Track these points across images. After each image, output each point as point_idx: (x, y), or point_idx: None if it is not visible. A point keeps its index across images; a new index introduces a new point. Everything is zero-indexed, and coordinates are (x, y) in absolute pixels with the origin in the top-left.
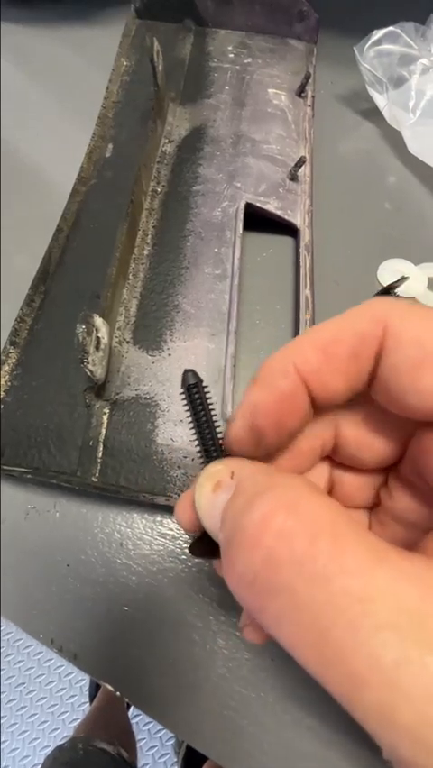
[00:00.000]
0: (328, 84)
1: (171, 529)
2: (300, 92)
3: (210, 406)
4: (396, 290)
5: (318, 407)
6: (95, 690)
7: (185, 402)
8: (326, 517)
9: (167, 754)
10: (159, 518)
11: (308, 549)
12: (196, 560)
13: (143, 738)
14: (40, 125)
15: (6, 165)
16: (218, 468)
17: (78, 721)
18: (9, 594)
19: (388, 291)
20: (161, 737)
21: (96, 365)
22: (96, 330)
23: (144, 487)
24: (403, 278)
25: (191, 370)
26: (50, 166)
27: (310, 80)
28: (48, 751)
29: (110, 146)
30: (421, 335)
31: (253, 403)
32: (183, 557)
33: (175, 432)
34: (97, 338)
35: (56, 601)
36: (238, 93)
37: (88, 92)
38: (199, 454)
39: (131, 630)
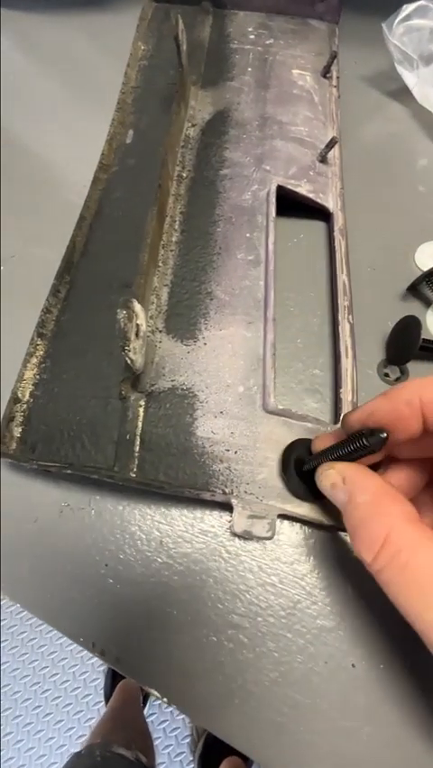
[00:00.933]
0: (352, 64)
1: (213, 526)
2: (326, 73)
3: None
4: None
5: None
6: (110, 689)
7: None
8: (408, 537)
9: (183, 752)
10: (199, 515)
11: (396, 556)
12: (242, 558)
13: (159, 737)
14: (54, 115)
15: (23, 156)
16: (331, 471)
17: (94, 722)
18: (47, 596)
19: (430, 275)
20: (176, 736)
21: (136, 353)
22: (136, 316)
23: (186, 482)
24: None
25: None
26: (66, 155)
27: (335, 60)
28: (64, 750)
29: (131, 132)
30: None
31: (372, 408)
32: (226, 555)
33: (215, 424)
34: (137, 325)
35: (95, 603)
36: (261, 75)
37: (103, 79)
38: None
39: (174, 632)
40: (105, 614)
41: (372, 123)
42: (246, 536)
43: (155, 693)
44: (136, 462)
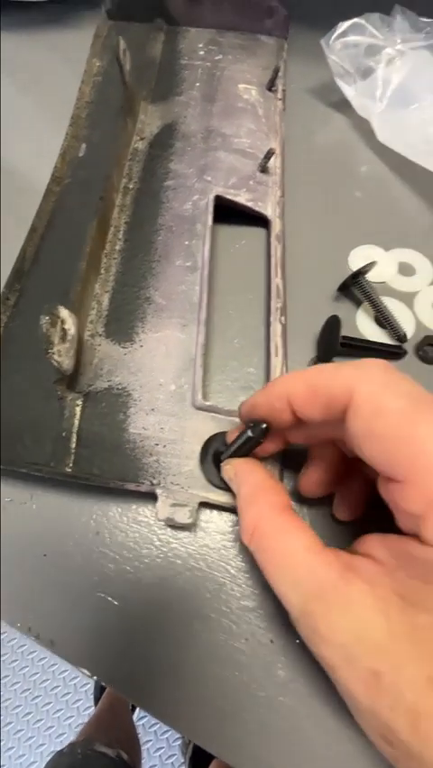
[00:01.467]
0: (300, 77)
1: (147, 516)
2: (271, 86)
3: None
4: (365, 275)
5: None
6: (99, 693)
7: (241, 443)
8: (272, 524)
9: (174, 755)
10: (134, 506)
11: (261, 540)
12: (172, 546)
13: (150, 740)
14: (16, 127)
15: None
16: (228, 467)
17: (80, 723)
18: None
19: (357, 276)
20: (167, 739)
21: (62, 356)
22: (63, 322)
23: (117, 475)
24: (371, 264)
25: (260, 424)
26: (26, 167)
27: (281, 74)
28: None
29: (83, 146)
30: (371, 417)
31: (254, 402)
32: (158, 543)
33: (147, 420)
34: (63, 329)
35: (33, 591)
36: (209, 89)
37: (64, 94)
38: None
39: (109, 616)
40: (43, 601)
41: (316, 133)
42: (169, 523)
43: (85, 672)
44: (72, 458)
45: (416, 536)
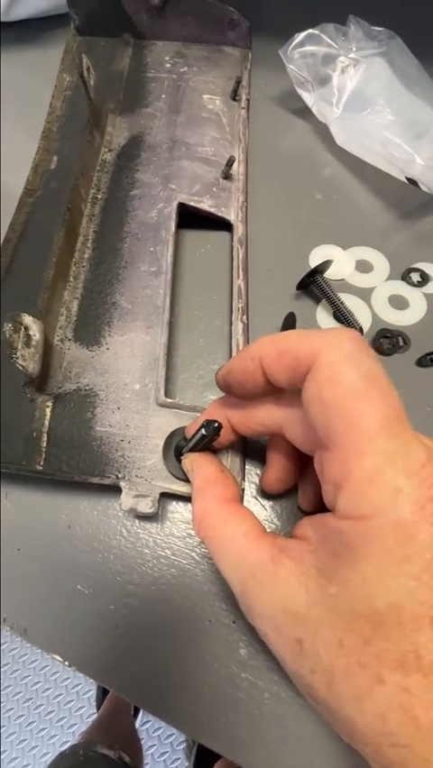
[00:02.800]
0: (263, 86)
1: (115, 509)
2: (234, 95)
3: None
4: (323, 273)
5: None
6: (101, 699)
7: (197, 441)
8: (214, 514)
9: (178, 758)
10: (103, 501)
11: (207, 529)
12: (140, 536)
13: (154, 744)
14: None
15: None
16: (186, 461)
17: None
18: None
19: (314, 274)
20: (171, 743)
21: (27, 360)
22: (27, 328)
23: (85, 470)
24: (327, 263)
25: (213, 423)
26: (3, 179)
27: (244, 84)
28: None
29: (54, 158)
30: (325, 383)
31: (229, 368)
32: (126, 533)
33: (113, 418)
34: (28, 335)
35: (6, 583)
36: (174, 101)
37: (37, 108)
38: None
39: (80, 604)
40: (16, 592)
41: (278, 139)
42: (133, 513)
43: (58, 658)
44: (43, 456)
45: (333, 511)
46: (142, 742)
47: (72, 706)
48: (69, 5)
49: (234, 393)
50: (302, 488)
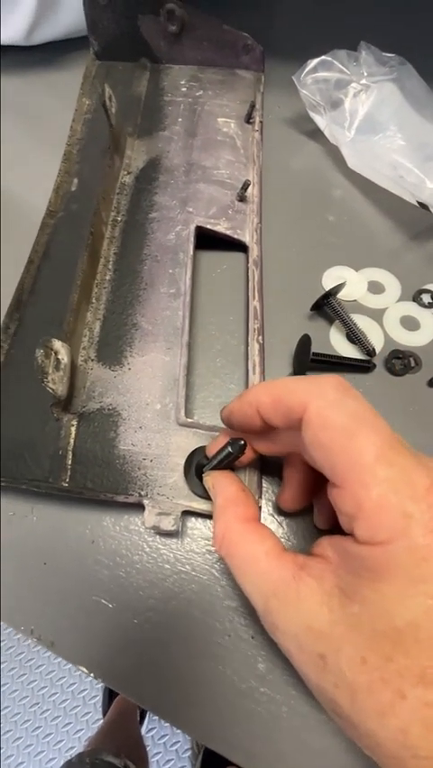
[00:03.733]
0: (276, 108)
1: (137, 525)
2: (248, 119)
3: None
4: (336, 295)
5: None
6: (107, 705)
7: (221, 459)
8: (236, 533)
9: (184, 766)
10: (126, 516)
11: (229, 548)
12: (161, 552)
13: (159, 752)
14: (15, 164)
15: None
16: (207, 478)
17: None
18: None
19: (328, 296)
20: (176, 750)
21: (56, 383)
22: (56, 352)
23: (108, 488)
24: (342, 285)
25: (238, 441)
26: (24, 201)
27: (258, 107)
28: None
29: (75, 180)
30: (319, 430)
31: (230, 410)
32: (148, 549)
33: (135, 437)
34: (57, 359)
35: (34, 596)
36: (190, 124)
37: (58, 130)
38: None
39: (104, 617)
40: (43, 605)
41: (291, 161)
42: (155, 530)
43: (84, 670)
44: (69, 474)
45: (352, 535)
46: (148, 749)
47: (78, 711)
48: (90, 32)
49: (239, 431)
50: (317, 506)
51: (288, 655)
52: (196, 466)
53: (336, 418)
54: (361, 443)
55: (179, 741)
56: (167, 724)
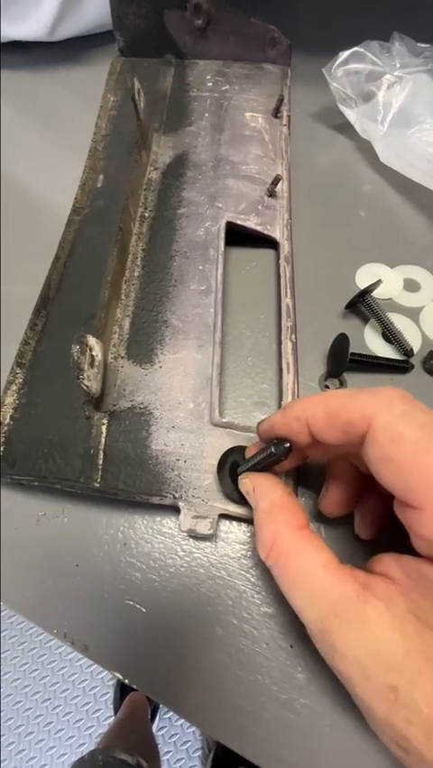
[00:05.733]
0: (303, 102)
1: (170, 528)
2: (276, 113)
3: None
4: (372, 293)
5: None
6: (119, 703)
7: (261, 459)
8: (289, 542)
9: (195, 765)
10: (158, 518)
11: (278, 557)
12: (195, 555)
13: (170, 751)
14: (39, 161)
15: (10, 199)
16: (246, 481)
17: (101, 733)
18: (26, 594)
19: (364, 294)
20: (187, 749)
21: (91, 381)
22: (91, 349)
23: (141, 489)
24: (377, 282)
25: (283, 442)
26: (49, 198)
27: (285, 101)
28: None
29: (101, 177)
30: (388, 445)
31: (273, 422)
32: (181, 553)
33: (168, 437)
34: (92, 356)
35: (67, 599)
36: (217, 119)
37: (82, 127)
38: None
39: (137, 622)
40: (76, 608)
41: (320, 156)
42: (191, 534)
43: (118, 676)
44: (100, 474)
45: (430, 559)
46: (159, 747)
47: (89, 708)
48: (115, 28)
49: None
50: (360, 514)
51: (347, 682)
52: (229, 467)
53: (408, 432)
54: None
55: (189, 740)
56: (178, 722)
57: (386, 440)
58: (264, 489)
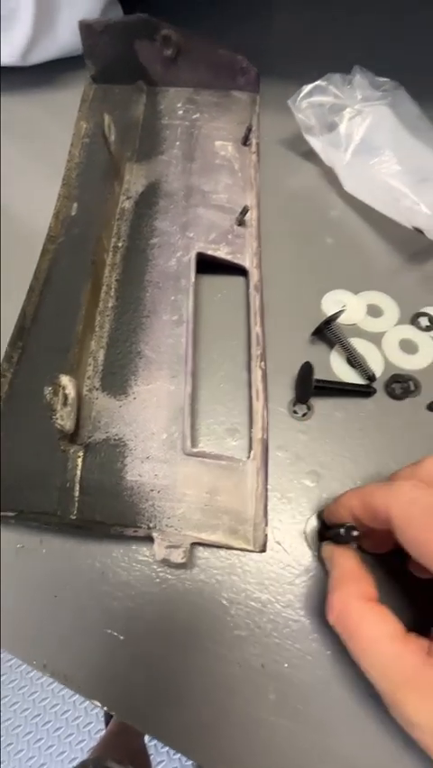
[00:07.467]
0: (272, 129)
1: (146, 556)
2: (245, 141)
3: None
4: (336, 320)
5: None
6: (110, 715)
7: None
8: (357, 612)
9: None
10: (134, 547)
11: (347, 625)
12: (170, 582)
13: (162, 761)
14: (15, 185)
15: None
16: (326, 548)
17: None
18: (4, 626)
19: (329, 322)
20: (180, 758)
21: (64, 419)
22: (64, 388)
23: (117, 520)
24: (341, 311)
25: (352, 529)
26: (25, 225)
27: (254, 129)
28: None
29: (75, 205)
30: (404, 527)
31: (329, 511)
32: (158, 580)
33: (142, 468)
34: (65, 395)
35: (46, 630)
36: (188, 147)
37: (57, 151)
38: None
39: (115, 649)
40: (55, 638)
41: (288, 182)
42: (166, 563)
43: (97, 704)
44: (76, 506)
45: None
46: (151, 757)
47: (81, 722)
48: (86, 56)
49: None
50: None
51: (424, 748)
52: (319, 529)
53: (415, 516)
54: None
55: None
56: None
57: (403, 524)
58: (338, 558)
